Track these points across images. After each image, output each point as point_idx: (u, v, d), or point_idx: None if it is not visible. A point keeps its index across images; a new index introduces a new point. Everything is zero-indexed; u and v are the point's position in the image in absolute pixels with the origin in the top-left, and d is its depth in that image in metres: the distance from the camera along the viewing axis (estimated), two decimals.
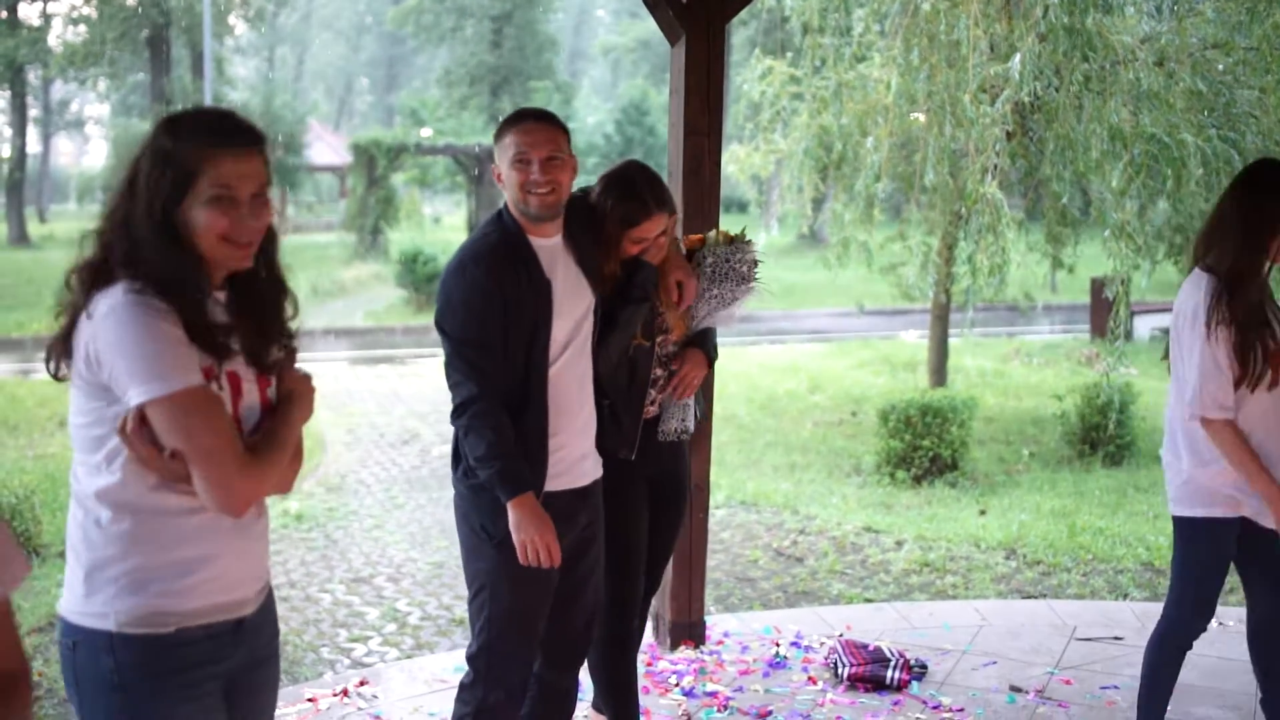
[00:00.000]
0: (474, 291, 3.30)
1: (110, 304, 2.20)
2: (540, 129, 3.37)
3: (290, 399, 2.43)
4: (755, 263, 3.95)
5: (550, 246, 3.44)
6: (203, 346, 2.26)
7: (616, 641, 4.00)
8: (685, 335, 3.95)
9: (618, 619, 3.95)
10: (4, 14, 39.91)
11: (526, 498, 3.30)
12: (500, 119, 3.51)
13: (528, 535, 3.29)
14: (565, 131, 3.44)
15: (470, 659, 3.52)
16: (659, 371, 3.86)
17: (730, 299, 3.91)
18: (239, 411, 2.34)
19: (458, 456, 3.46)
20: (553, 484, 3.43)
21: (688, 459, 4.17)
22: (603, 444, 3.67)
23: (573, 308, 3.44)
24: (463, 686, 3.56)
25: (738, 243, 3.98)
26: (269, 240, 2.41)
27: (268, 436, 2.35)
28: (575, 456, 3.51)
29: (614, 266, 3.66)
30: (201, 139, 2.26)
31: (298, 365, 2.51)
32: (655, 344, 3.81)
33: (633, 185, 3.65)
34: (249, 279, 2.39)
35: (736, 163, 13.54)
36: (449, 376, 3.38)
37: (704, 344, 3.97)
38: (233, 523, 2.33)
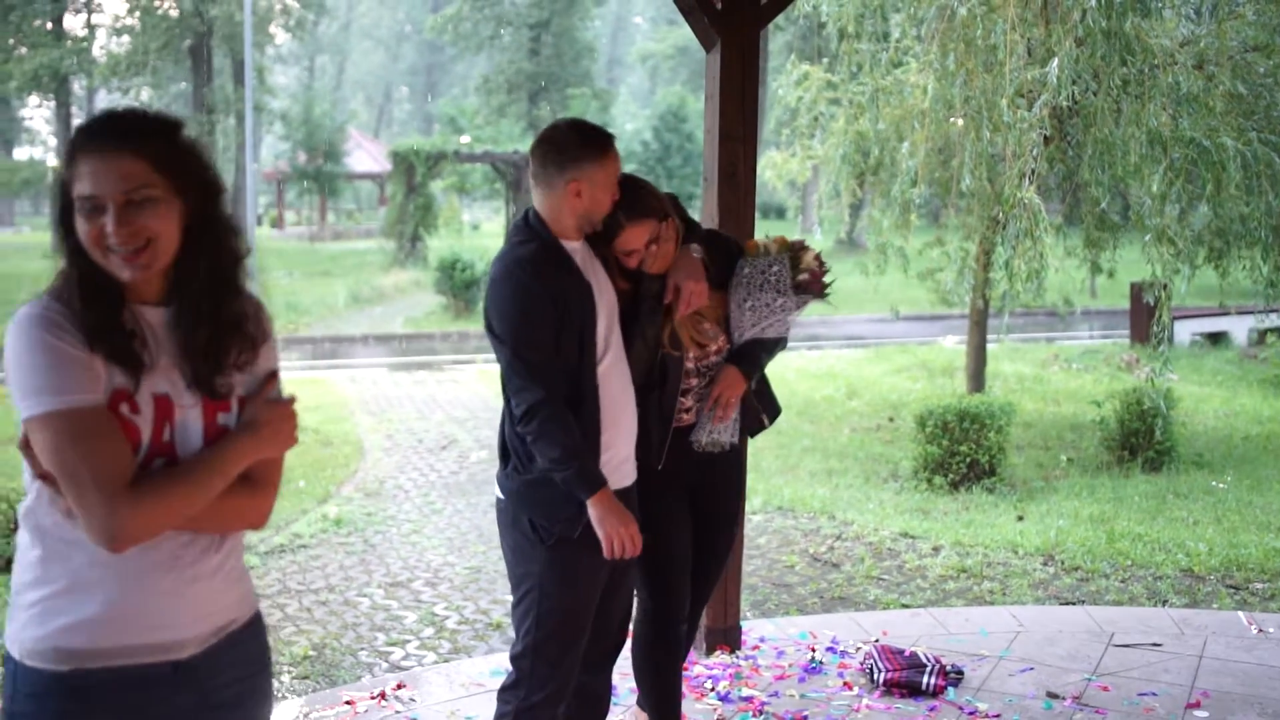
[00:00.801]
0: (526, 296, 3.33)
1: (15, 317, 2.09)
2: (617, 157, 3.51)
3: (244, 429, 2.21)
4: (815, 272, 3.81)
5: (580, 250, 3.50)
6: (111, 362, 2.08)
7: (660, 647, 3.97)
8: (730, 347, 3.86)
9: (661, 624, 3.93)
10: (49, 25, 40.49)
11: (606, 492, 3.33)
12: (584, 137, 3.42)
13: (613, 528, 3.33)
14: None
15: (514, 659, 3.53)
16: (693, 381, 3.81)
17: (767, 311, 3.79)
18: (163, 438, 2.14)
19: (506, 454, 3.47)
20: None
21: (734, 472, 4.08)
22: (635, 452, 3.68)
23: (607, 305, 3.49)
24: (504, 687, 3.57)
25: (787, 252, 3.85)
26: (222, 254, 2.20)
27: (179, 467, 2.14)
28: (620, 458, 3.53)
29: (619, 282, 3.62)
30: (72, 143, 2.12)
31: (280, 393, 2.29)
32: (687, 354, 3.76)
33: None
34: (198, 296, 2.17)
35: (774, 168, 13.57)
36: (510, 383, 3.37)
37: (741, 359, 3.87)
38: (162, 559, 2.15)
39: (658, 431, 3.73)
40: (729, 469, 4.05)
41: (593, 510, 3.33)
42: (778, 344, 3.95)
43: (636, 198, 3.60)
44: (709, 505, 4.00)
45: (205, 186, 2.18)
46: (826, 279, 3.83)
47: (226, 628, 2.28)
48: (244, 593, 2.34)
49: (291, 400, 2.29)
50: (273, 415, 2.24)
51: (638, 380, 3.63)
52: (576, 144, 3.42)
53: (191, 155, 2.17)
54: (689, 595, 3.99)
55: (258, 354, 2.26)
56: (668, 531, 3.83)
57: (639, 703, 4.29)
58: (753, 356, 3.89)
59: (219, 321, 2.18)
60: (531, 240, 3.42)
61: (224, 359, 2.19)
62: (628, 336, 3.59)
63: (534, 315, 3.32)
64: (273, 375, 2.30)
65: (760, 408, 4.01)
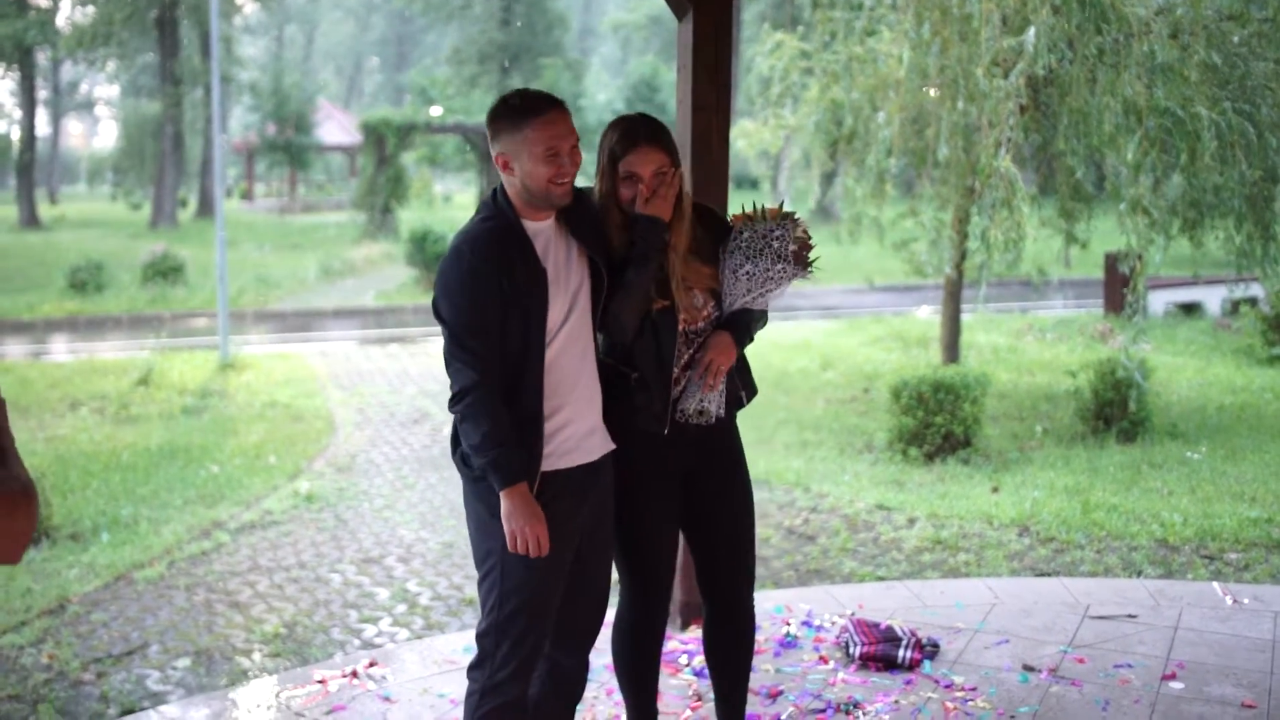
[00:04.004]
0: (471, 278, 3.25)
1: None
2: (565, 118, 3.31)
3: None
4: (804, 244, 3.66)
5: (544, 230, 3.39)
6: None
7: (639, 634, 3.86)
8: (718, 315, 3.69)
9: (641, 612, 3.81)
10: None
11: (520, 488, 3.26)
12: (506, 105, 3.34)
13: (517, 525, 3.25)
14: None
15: (479, 637, 3.48)
16: (682, 349, 3.64)
17: (764, 278, 3.64)
18: None
19: (457, 441, 3.41)
20: (562, 461, 3.38)
21: (732, 443, 3.83)
22: (633, 420, 3.58)
23: (565, 288, 3.39)
24: (471, 666, 3.52)
25: (781, 220, 3.69)
26: None
27: None
28: (582, 431, 3.44)
29: (617, 214, 3.50)
30: None
31: None
32: (678, 311, 3.59)
33: (625, 120, 3.57)
34: None
35: (747, 138, 13.49)
36: (448, 364, 3.31)
37: (733, 326, 3.70)
38: None
39: (659, 395, 3.59)
40: (725, 443, 3.83)
41: (503, 503, 3.26)
42: (762, 317, 3.81)
43: (653, 128, 3.54)
44: (713, 484, 3.81)
45: None
46: (812, 255, 3.73)
47: None
48: None
49: None
50: None
51: (625, 335, 3.52)
52: (499, 114, 3.33)
53: None
54: (671, 585, 3.88)
55: None
56: (653, 518, 3.71)
57: None
58: (744, 325, 3.72)
59: None
60: (491, 218, 3.34)
61: None
62: (617, 283, 3.46)
63: (477, 298, 3.24)
64: None
65: (740, 384, 3.89)
